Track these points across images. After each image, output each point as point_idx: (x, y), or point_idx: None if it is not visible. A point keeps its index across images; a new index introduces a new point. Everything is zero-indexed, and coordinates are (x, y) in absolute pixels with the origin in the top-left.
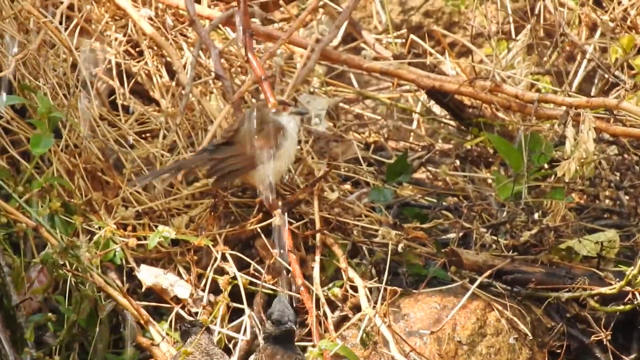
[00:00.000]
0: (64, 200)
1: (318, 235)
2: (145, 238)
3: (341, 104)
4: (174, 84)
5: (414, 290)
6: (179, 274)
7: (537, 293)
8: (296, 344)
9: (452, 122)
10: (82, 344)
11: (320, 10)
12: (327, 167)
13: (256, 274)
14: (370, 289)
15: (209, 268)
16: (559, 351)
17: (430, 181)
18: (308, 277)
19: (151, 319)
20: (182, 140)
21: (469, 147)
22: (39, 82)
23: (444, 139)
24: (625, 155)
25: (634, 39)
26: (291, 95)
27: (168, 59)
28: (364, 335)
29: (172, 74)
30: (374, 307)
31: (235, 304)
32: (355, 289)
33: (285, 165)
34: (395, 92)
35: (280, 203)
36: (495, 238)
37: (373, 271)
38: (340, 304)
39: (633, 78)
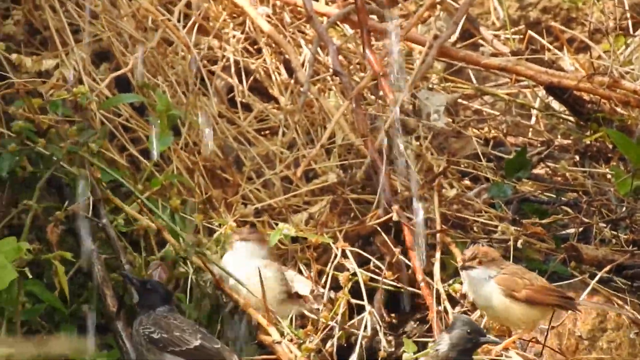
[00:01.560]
0: (183, 198)
1: (438, 233)
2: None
3: (460, 100)
4: (292, 81)
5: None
6: (300, 271)
7: None
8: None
9: (571, 118)
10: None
11: (438, 6)
12: (446, 163)
13: (376, 270)
14: None
15: (329, 264)
16: None
17: (549, 176)
18: (428, 274)
19: (274, 317)
20: (301, 137)
21: (588, 142)
22: (158, 79)
23: (562, 135)
24: None
25: None
26: (410, 92)
27: (286, 56)
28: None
29: (290, 71)
30: None
31: (355, 301)
32: None
33: None
34: (513, 88)
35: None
36: (615, 233)
37: None
38: (460, 300)
39: None
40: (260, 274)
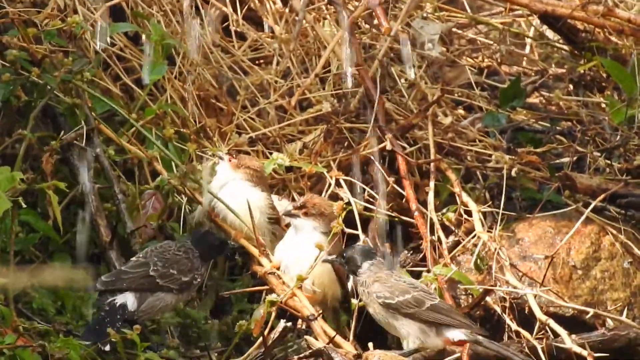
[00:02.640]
0: (177, 128)
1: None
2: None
3: (454, 29)
4: (287, 9)
5: (528, 215)
6: (293, 200)
7: None
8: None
9: (565, 47)
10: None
11: None
12: (440, 92)
13: (370, 199)
14: (484, 214)
15: (323, 193)
16: None
17: (543, 105)
18: (422, 202)
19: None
20: (296, 66)
21: (582, 71)
22: (152, 9)
23: (557, 64)
24: None
25: None
26: (404, 21)
27: None
28: (478, 259)
29: (285, 0)
30: (489, 231)
31: (349, 230)
32: (469, 213)
33: None
34: (507, 17)
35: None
36: (608, 162)
37: (487, 195)
38: (454, 229)
39: None
40: (249, 204)
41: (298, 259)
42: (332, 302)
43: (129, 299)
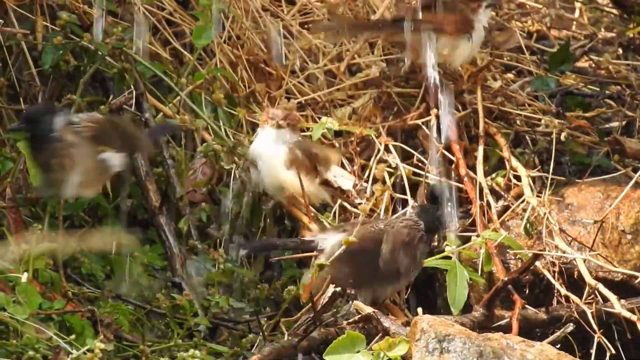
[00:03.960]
0: (227, 92)
1: (481, 124)
2: (308, 129)
3: None
4: None
5: (577, 180)
6: (343, 166)
7: None
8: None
9: (614, 11)
10: (247, 235)
11: None
12: (490, 57)
13: (419, 164)
14: (533, 178)
15: (372, 159)
16: None
17: (592, 70)
18: (471, 167)
19: (315, 212)
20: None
21: (631, 35)
22: None
23: (606, 28)
24: None
25: None
26: None
27: None
28: (528, 224)
29: None
30: (538, 196)
31: (398, 195)
32: (518, 178)
33: (472, 54)
34: None
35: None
36: None
37: (536, 160)
38: (503, 194)
39: None
40: (298, 172)
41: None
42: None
43: None
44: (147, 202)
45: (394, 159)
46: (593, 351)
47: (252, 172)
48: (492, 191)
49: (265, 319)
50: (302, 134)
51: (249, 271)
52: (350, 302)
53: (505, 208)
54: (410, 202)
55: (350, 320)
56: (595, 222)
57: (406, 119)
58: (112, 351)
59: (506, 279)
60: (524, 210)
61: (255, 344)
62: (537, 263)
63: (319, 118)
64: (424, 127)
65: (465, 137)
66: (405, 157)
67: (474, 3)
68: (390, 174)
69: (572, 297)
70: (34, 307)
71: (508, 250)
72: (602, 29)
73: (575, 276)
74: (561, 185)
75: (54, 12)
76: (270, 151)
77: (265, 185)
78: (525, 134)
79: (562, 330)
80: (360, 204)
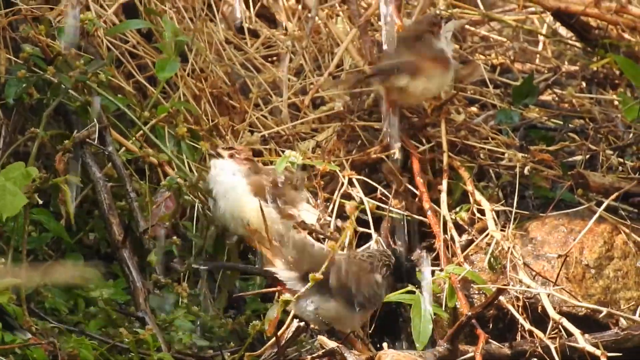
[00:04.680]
0: (190, 126)
1: (445, 158)
2: (272, 163)
3: (467, 26)
4: (300, 7)
5: (541, 214)
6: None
7: None
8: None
9: (578, 44)
10: (211, 270)
11: None
12: (453, 90)
13: (383, 198)
14: (497, 212)
15: (335, 193)
16: None
17: (556, 103)
18: (435, 201)
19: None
20: (309, 63)
21: (595, 68)
22: (165, 5)
23: (570, 61)
24: None
25: None
26: (418, 18)
27: None
28: (492, 258)
29: None
30: (502, 230)
31: (362, 229)
32: (482, 212)
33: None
34: (520, 14)
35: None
36: (621, 160)
37: (500, 194)
38: (467, 228)
39: None
40: (260, 205)
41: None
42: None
43: None
44: (110, 236)
45: (357, 192)
46: None
47: (214, 206)
48: (456, 225)
49: (229, 353)
50: (266, 167)
51: (212, 311)
52: (315, 337)
53: (469, 242)
54: (374, 236)
55: (314, 355)
56: (559, 256)
57: (370, 152)
58: None
59: (470, 313)
60: (488, 244)
61: None
62: (501, 297)
63: (283, 151)
64: (388, 160)
65: (429, 171)
66: (369, 190)
67: (435, 26)
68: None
69: (536, 331)
70: None
71: (472, 284)
72: (566, 62)
73: (539, 311)
74: (525, 220)
75: (17, 44)
76: (232, 183)
77: (227, 220)
78: (489, 167)
79: None
80: (324, 238)
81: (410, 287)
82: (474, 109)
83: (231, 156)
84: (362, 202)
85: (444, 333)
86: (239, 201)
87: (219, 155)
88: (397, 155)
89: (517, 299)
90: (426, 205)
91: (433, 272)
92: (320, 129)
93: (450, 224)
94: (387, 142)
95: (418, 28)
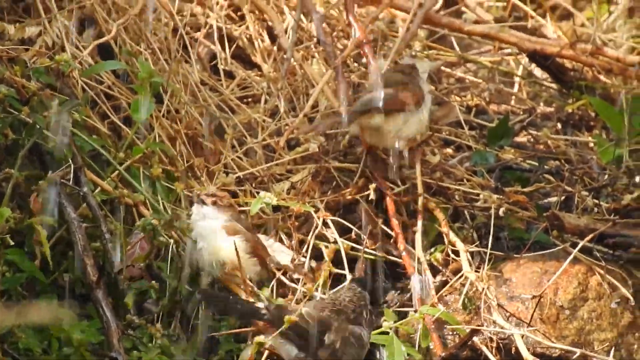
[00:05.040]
0: (165, 167)
1: (420, 200)
2: (246, 204)
3: (443, 68)
4: (275, 48)
5: (515, 255)
6: (280, 240)
7: (639, 257)
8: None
9: (553, 85)
10: (184, 311)
11: None
12: (429, 131)
13: (357, 239)
14: (472, 253)
15: (310, 234)
16: None
17: (531, 144)
18: (410, 242)
19: (254, 287)
20: (284, 105)
21: (570, 110)
22: (140, 47)
23: (545, 102)
24: None
25: None
26: (394, 59)
27: (269, 23)
28: (466, 299)
29: (273, 38)
30: (476, 271)
31: (336, 270)
32: (457, 253)
33: (422, 127)
34: (496, 56)
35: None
36: (597, 201)
37: (475, 235)
38: (442, 269)
39: None
40: (235, 246)
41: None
42: (254, 277)
43: None
44: (84, 276)
45: (332, 233)
46: None
47: (191, 247)
48: (431, 266)
49: None
50: (240, 208)
51: (186, 352)
52: None
53: (444, 283)
54: (349, 276)
55: None
56: (534, 297)
57: (345, 193)
58: None
59: (443, 354)
60: (462, 285)
61: None
62: (475, 338)
63: (258, 193)
64: (363, 201)
65: (404, 212)
66: (344, 231)
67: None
68: (333, 253)
69: None
70: None
71: (446, 325)
72: (541, 104)
73: (513, 352)
74: (500, 261)
75: None
76: (210, 226)
77: (203, 261)
78: (463, 209)
79: None
80: (298, 279)
81: (384, 327)
82: (449, 150)
83: (214, 203)
84: (336, 243)
85: None
86: (215, 243)
87: (202, 202)
88: (372, 196)
89: (491, 339)
90: (401, 246)
91: (407, 313)
92: (295, 170)
93: (425, 265)
94: (362, 183)
95: (396, 70)
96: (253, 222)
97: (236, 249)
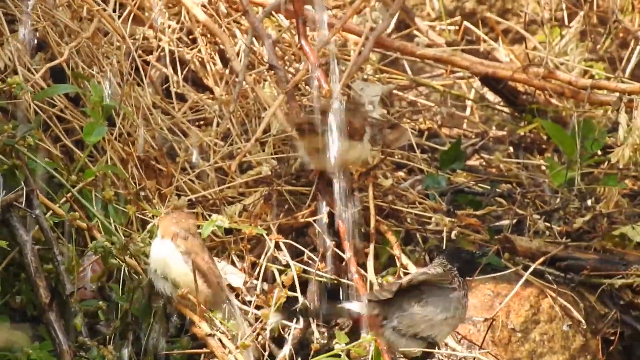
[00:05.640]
0: (117, 189)
1: (372, 222)
2: (199, 227)
3: (395, 91)
4: (227, 71)
5: (467, 277)
6: (233, 263)
7: (590, 280)
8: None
9: (505, 109)
10: (136, 333)
11: None
12: (381, 154)
13: (309, 261)
14: None
15: (262, 256)
16: (612, 338)
17: (483, 168)
18: (362, 265)
19: (205, 309)
20: (236, 128)
21: (522, 133)
22: (93, 70)
23: (497, 126)
24: None
25: None
26: (345, 83)
27: (222, 46)
28: None
29: (225, 61)
30: None
31: (289, 292)
32: None
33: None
34: (448, 79)
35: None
36: (548, 225)
37: (427, 258)
38: None
39: None
40: (194, 269)
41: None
42: (207, 298)
43: None
44: (37, 298)
45: (284, 256)
46: None
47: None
48: None
49: None
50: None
51: None
52: None
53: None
54: (300, 299)
55: None
56: (486, 320)
57: (297, 216)
58: None
59: None
60: None
61: None
62: None
63: (210, 215)
64: (315, 224)
65: (356, 235)
66: (296, 254)
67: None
68: (281, 272)
69: None
70: None
71: (398, 348)
72: (493, 127)
73: None
74: None
75: None
76: (165, 245)
77: (158, 283)
78: (416, 232)
79: None
80: (250, 301)
81: (336, 350)
82: (401, 173)
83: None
84: (289, 266)
85: None
86: (168, 263)
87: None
88: (324, 219)
89: None
90: (353, 268)
91: (359, 335)
92: (248, 193)
93: (376, 287)
94: (314, 206)
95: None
96: (206, 245)
97: (194, 271)
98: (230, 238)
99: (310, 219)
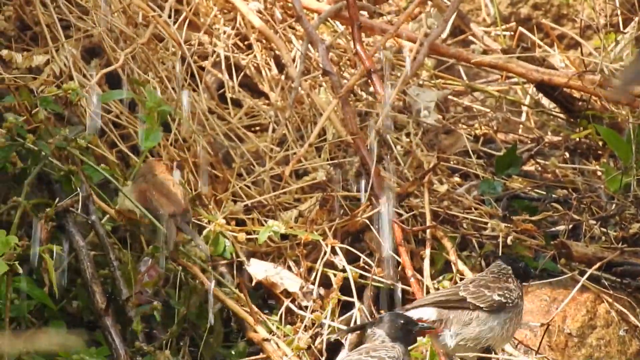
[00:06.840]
0: None
1: (428, 229)
2: (254, 232)
3: (450, 97)
4: (283, 77)
5: (523, 283)
6: (289, 268)
7: None
8: None
9: (561, 115)
10: (193, 337)
11: (429, 2)
12: (436, 160)
13: (366, 266)
14: None
15: (318, 261)
16: None
17: (539, 173)
18: (418, 270)
19: (262, 315)
20: (292, 133)
21: (578, 139)
22: (148, 75)
23: (553, 132)
24: None
25: None
26: (401, 89)
27: (277, 52)
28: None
29: (281, 67)
30: None
31: (345, 297)
32: None
33: None
34: (503, 85)
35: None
36: (604, 230)
37: (482, 264)
38: None
39: None
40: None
41: None
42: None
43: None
44: (93, 304)
45: (340, 261)
46: None
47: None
48: None
49: None
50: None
51: None
52: None
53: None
54: (357, 304)
55: None
56: (542, 325)
57: (354, 220)
58: None
59: None
60: None
61: None
62: None
63: (266, 221)
64: (373, 228)
65: (412, 241)
66: (352, 259)
67: None
68: (341, 280)
69: None
70: None
71: (455, 354)
72: (549, 133)
73: None
74: None
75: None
76: None
77: None
78: (471, 237)
79: None
80: (306, 306)
81: None
82: (457, 179)
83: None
84: (345, 271)
85: None
86: None
87: None
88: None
89: None
90: (409, 272)
91: (416, 340)
92: (303, 198)
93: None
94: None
95: None
96: (261, 250)
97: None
98: (286, 243)
99: (366, 219)
